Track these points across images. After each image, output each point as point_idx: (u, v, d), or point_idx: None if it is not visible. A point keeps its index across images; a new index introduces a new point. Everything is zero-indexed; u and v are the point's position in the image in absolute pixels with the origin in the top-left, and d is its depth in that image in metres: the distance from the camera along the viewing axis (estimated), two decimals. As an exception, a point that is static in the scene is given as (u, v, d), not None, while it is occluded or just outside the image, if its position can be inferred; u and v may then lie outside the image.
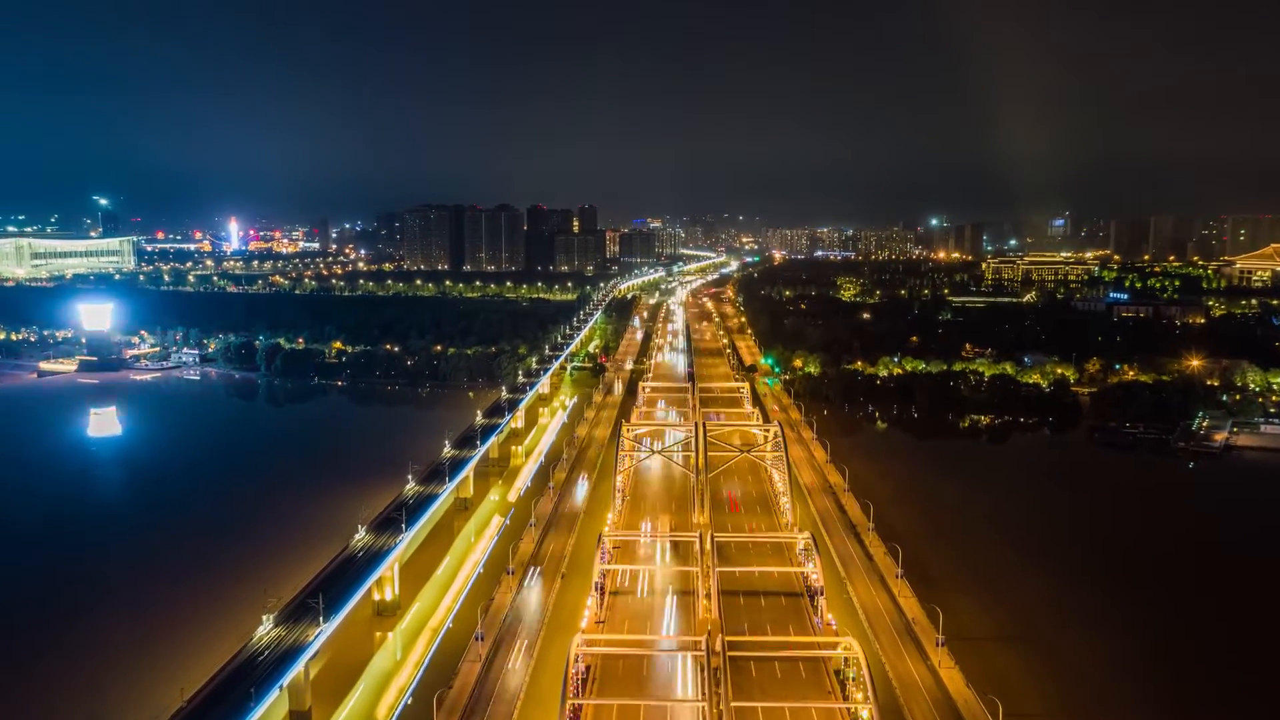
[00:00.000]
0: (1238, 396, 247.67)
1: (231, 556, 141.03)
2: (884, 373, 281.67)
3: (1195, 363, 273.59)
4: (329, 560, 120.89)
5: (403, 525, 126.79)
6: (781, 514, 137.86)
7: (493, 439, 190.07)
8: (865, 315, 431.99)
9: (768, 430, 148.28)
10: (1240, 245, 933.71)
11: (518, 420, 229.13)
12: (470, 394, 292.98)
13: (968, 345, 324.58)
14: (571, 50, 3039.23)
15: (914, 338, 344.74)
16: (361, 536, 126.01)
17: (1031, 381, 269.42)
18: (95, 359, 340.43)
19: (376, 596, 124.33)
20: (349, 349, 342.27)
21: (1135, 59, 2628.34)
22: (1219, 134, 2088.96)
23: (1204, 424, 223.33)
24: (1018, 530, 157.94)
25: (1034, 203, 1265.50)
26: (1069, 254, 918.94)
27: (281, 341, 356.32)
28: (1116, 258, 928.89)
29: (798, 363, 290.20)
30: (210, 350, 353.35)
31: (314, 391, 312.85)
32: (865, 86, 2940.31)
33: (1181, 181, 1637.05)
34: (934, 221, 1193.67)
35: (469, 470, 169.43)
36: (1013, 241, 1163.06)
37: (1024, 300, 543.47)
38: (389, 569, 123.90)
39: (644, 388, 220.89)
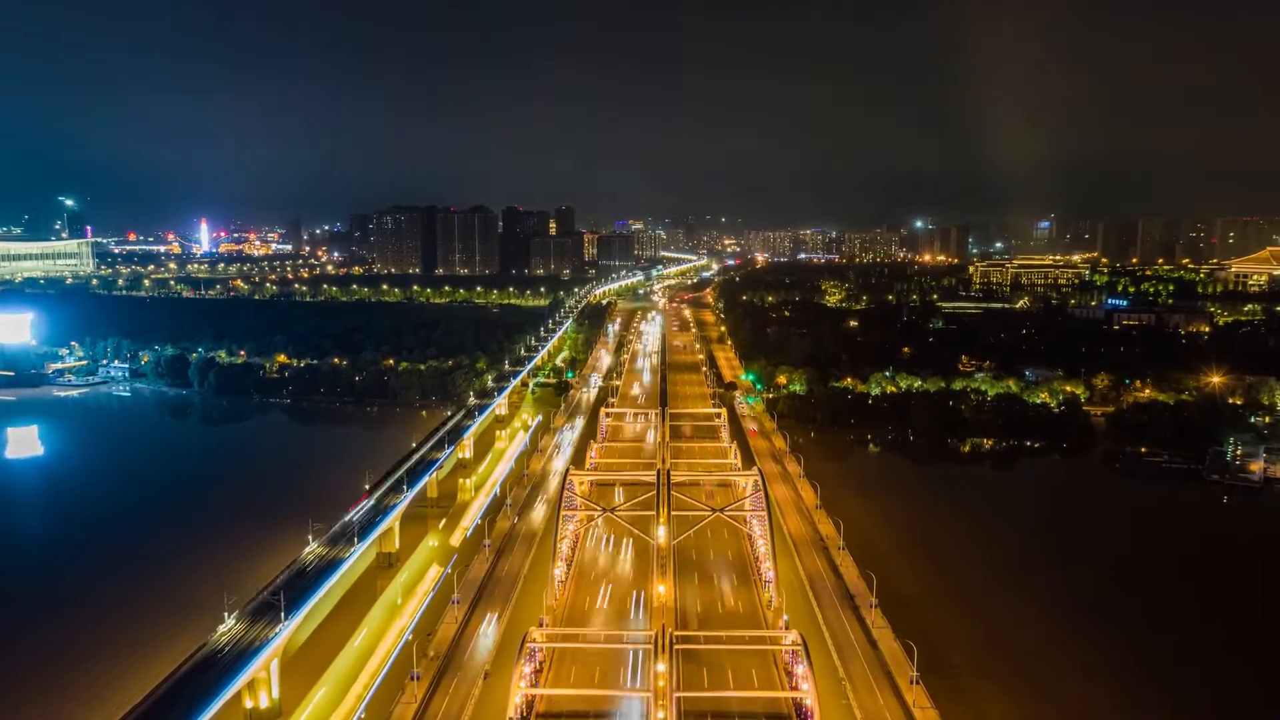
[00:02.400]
0: (1267, 419, 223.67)
1: (69, 658, 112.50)
2: (876, 391, 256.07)
3: (1216, 379, 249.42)
4: (182, 660, 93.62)
5: (282, 614, 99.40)
6: (763, 587, 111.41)
7: (425, 480, 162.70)
8: (852, 323, 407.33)
9: (747, 477, 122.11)
10: (1229, 248, 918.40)
11: (466, 450, 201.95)
12: (423, 413, 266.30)
13: (964, 357, 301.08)
14: (555, 50, 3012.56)
15: (905, 348, 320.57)
16: (229, 627, 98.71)
17: (1039, 401, 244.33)
18: (12, 373, 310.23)
19: (249, 703, 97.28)
20: (294, 363, 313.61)
21: (1120, 60, 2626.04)
22: (1204, 135, 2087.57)
23: (1237, 452, 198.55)
24: (1051, 594, 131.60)
25: (1018, 204, 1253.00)
26: (1057, 257, 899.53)
27: (222, 354, 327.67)
28: (1105, 260, 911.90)
29: (782, 379, 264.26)
30: (143, 364, 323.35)
31: (253, 410, 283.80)
32: (849, 88, 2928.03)
33: (1166, 183, 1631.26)
34: (919, 224, 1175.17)
35: (393, 520, 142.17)
36: (998, 244, 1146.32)
37: (1017, 306, 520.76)
38: (263, 668, 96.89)
39: (606, 414, 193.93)
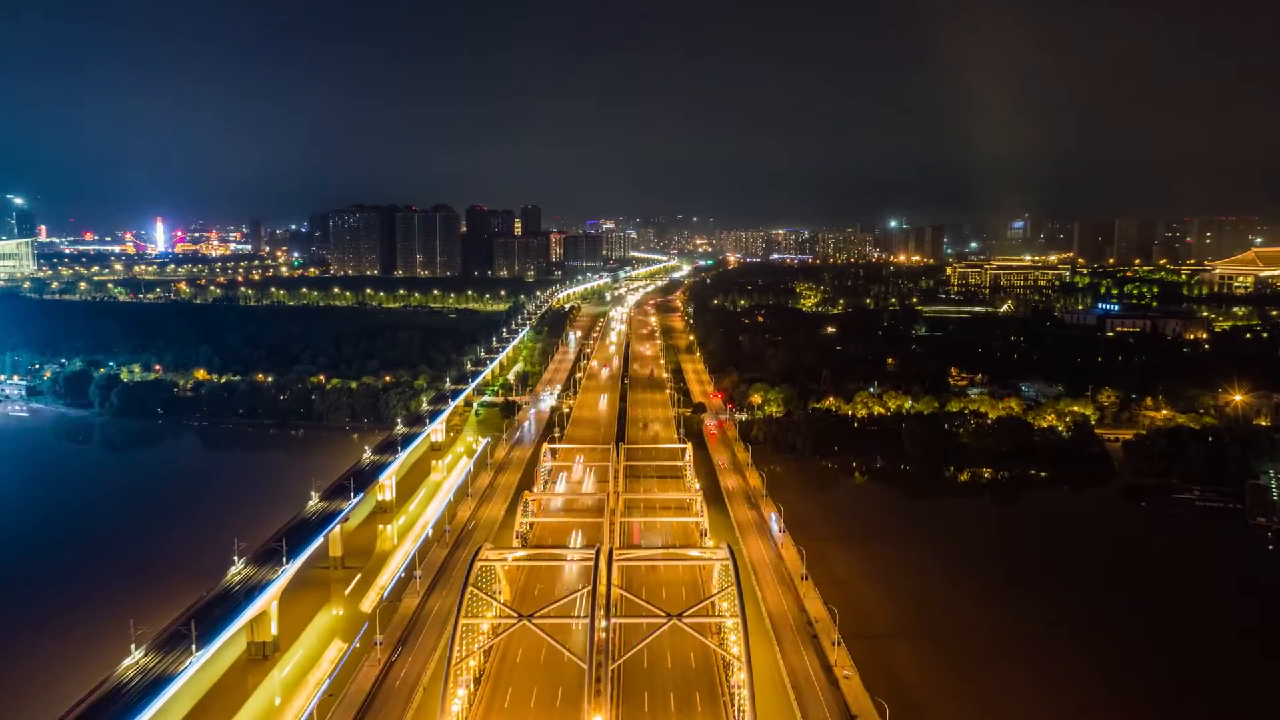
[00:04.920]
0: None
1: None
2: (862, 412, 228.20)
3: (1239, 398, 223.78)
4: None
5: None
6: (735, 715, 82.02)
7: (318, 541, 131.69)
8: (830, 329, 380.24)
9: (714, 560, 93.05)
10: (1206, 248, 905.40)
11: (385, 491, 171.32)
12: (354, 436, 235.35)
13: (953, 369, 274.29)
14: (529, 48, 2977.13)
15: (890, 359, 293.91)
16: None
17: (1046, 424, 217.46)
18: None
19: None
20: (214, 379, 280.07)
21: (1096, 59, 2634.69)
22: (1183, 134, 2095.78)
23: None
24: (1110, 692, 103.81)
25: (992, 204, 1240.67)
26: (1035, 257, 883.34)
27: (136, 369, 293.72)
28: (1081, 261, 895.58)
29: (756, 398, 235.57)
30: (44, 380, 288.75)
31: (161, 435, 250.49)
32: (822, 87, 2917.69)
33: (1142, 181, 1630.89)
34: (893, 224, 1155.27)
35: (265, 603, 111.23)
36: (974, 244, 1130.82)
37: (1000, 310, 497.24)
38: None
39: (551, 450, 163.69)
